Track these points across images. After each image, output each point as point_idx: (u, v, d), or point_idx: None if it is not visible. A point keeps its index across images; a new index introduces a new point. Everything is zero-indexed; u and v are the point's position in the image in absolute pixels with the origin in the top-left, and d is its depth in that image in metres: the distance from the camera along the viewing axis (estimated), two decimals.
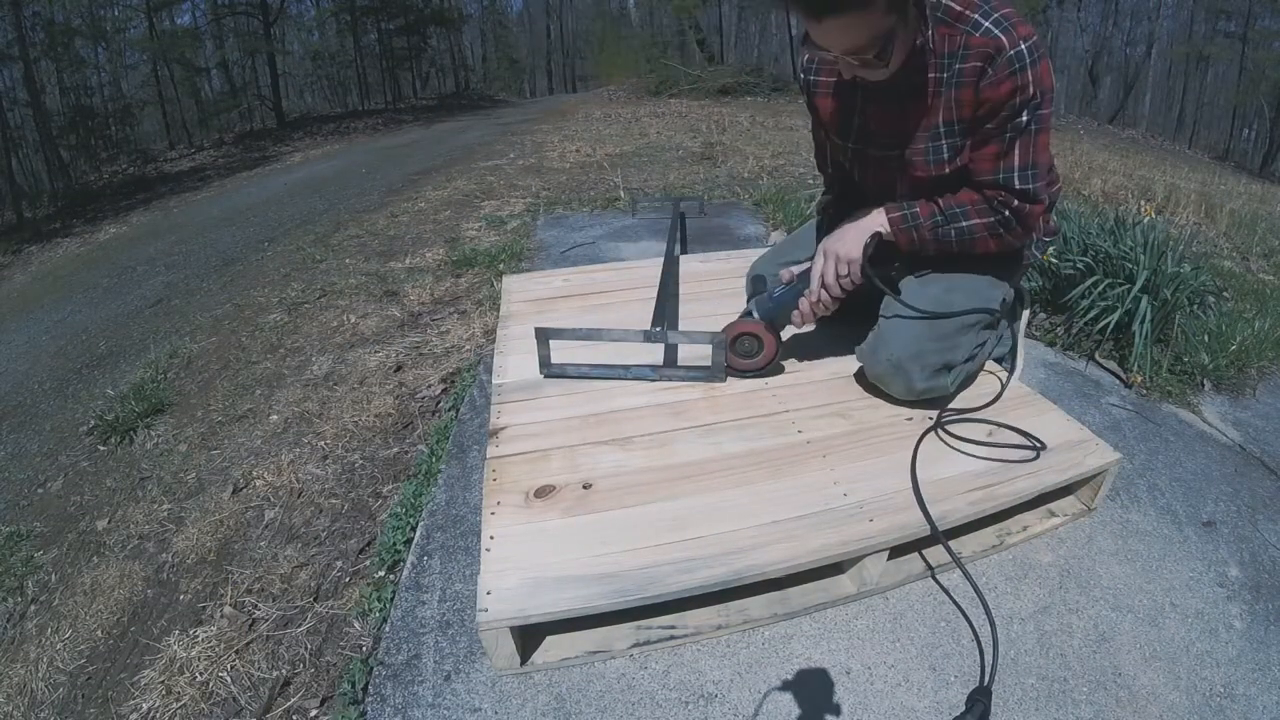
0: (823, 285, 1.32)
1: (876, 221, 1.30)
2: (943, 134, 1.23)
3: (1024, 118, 1.15)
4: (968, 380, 1.43)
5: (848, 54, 1.10)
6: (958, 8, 1.13)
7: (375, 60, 19.45)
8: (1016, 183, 1.20)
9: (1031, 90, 1.12)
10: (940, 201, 1.26)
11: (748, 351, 1.44)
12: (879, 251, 1.30)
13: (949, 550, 1.05)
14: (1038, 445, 1.23)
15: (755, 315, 1.43)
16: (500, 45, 27.39)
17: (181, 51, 14.34)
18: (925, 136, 1.24)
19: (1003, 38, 1.09)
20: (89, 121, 12.82)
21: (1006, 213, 1.22)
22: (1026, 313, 1.63)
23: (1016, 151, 1.18)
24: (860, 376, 1.43)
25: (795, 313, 1.39)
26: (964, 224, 1.25)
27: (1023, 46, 1.09)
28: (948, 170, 1.25)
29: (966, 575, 1.07)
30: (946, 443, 1.25)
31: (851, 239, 1.30)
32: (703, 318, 1.77)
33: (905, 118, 1.24)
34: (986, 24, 1.11)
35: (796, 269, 1.42)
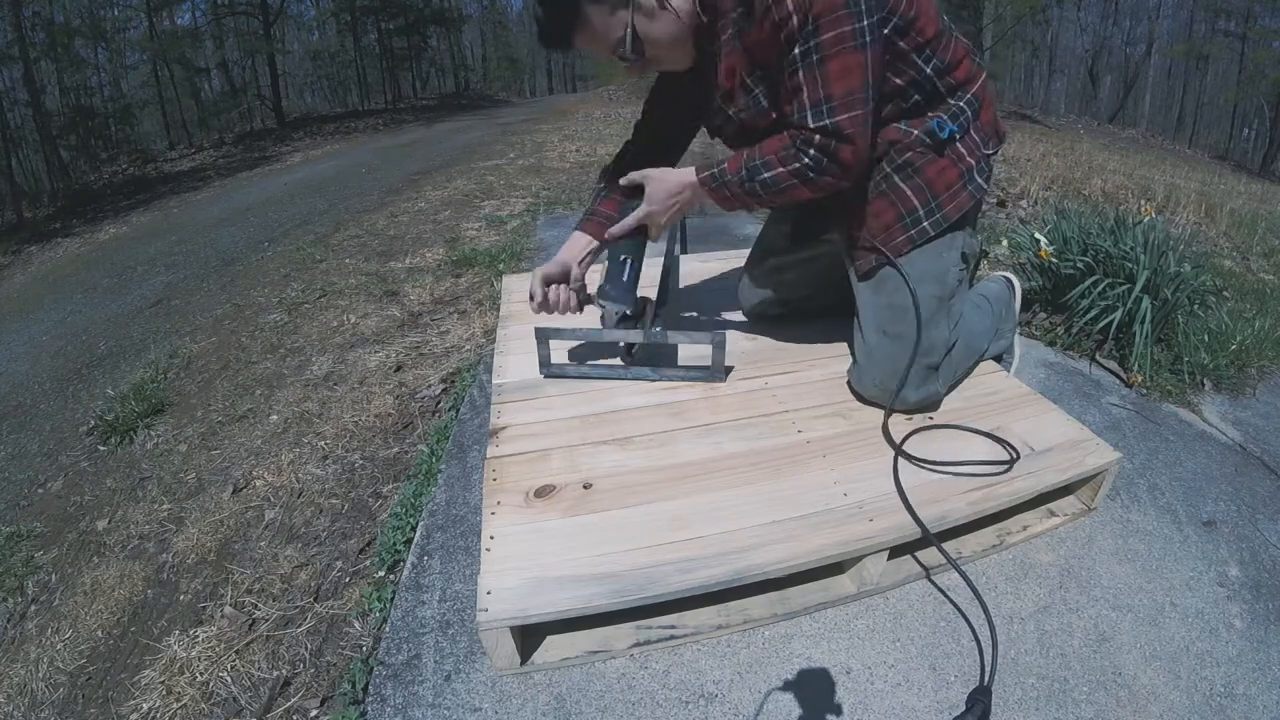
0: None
1: (686, 180, 1.26)
2: (751, 89, 1.19)
3: (797, 50, 1.07)
4: (959, 378, 1.41)
5: (613, 58, 1.14)
6: None
7: (375, 60, 19.46)
8: (810, 120, 1.10)
9: (796, 19, 1.04)
10: (747, 153, 1.19)
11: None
12: (806, 223, 1.28)
13: (943, 553, 1.05)
14: (1012, 456, 1.20)
15: (629, 309, 1.41)
16: (500, 45, 27.39)
17: (181, 51, 14.35)
18: (742, 93, 1.21)
19: None
20: (89, 121, 12.83)
21: (810, 153, 1.12)
22: (1019, 299, 1.63)
23: (804, 86, 1.09)
24: None
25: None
26: (767, 175, 1.17)
27: None
28: (775, 117, 1.19)
29: (964, 576, 1.07)
30: (915, 462, 1.19)
31: (665, 196, 1.28)
32: (703, 317, 1.77)
33: (719, 76, 1.22)
34: None
35: (618, 229, 1.38)
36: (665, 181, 1.29)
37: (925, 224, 1.25)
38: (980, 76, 1.28)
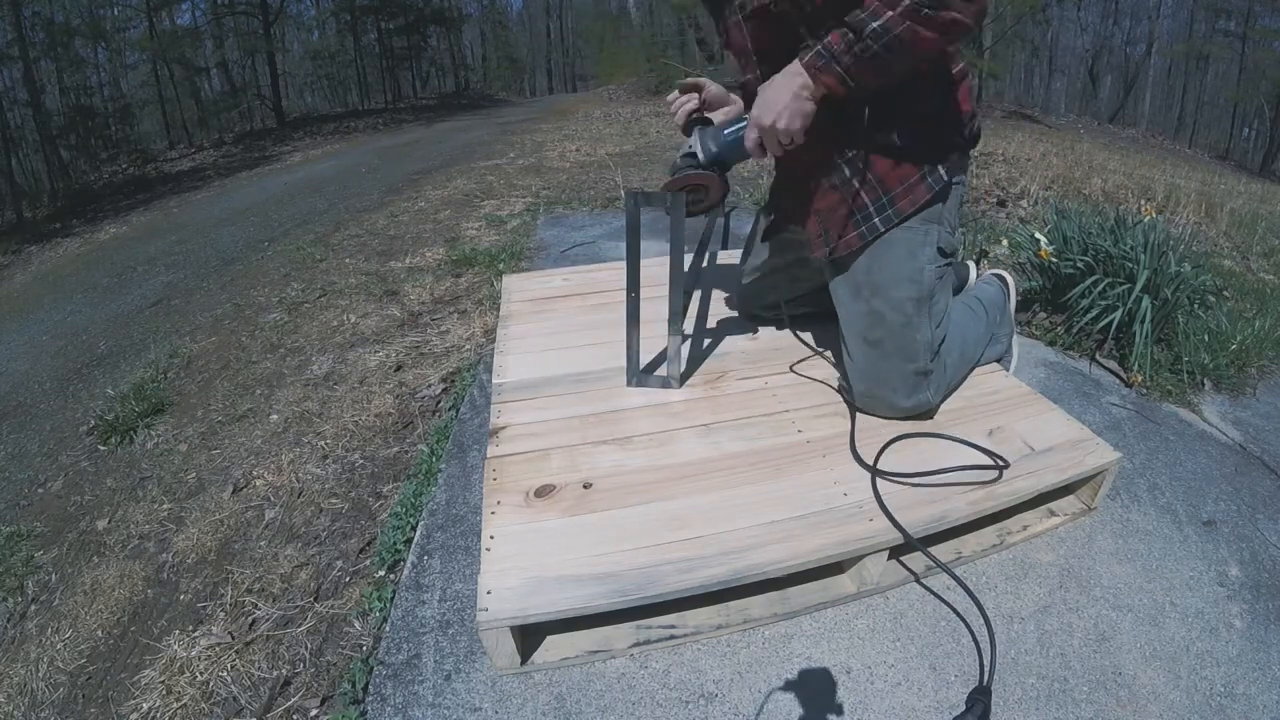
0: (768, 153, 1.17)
1: (794, 72, 1.09)
2: None
3: None
4: (953, 387, 1.40)
5: None
6: None
7: (375, 60, 19.44)
8: None
9: None
10: (847, 18, 1.04)
11: (698, 200, 1.30)
12: (775, 221, 1.20)
13: (930, 557, 1.06)
14: (1000, 464, 1.17)
15: (701, 158, 1.27)
16: (500, 45, 27.38)
17: (181, 51, 14.34)
18: None
19: None
20: (89, 121, 12.82)
21: None
22: (1013, 299, 1.62)
23: None
24: None
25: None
26: (875, 24, 1.00)
27: None
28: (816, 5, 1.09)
29: (955, 578, 1.07)
30: (892, 479, 1.16)
31: (776, 99, 1.10)
32: (703, 317, 1.77)
33: None
34: None
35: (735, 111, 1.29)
36: (770, 86, 1.12)
37: (875, 220, 1.23)
38: (960, 62, 1.23)
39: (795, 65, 1.10)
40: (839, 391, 1.40)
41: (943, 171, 1.22)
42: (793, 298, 1.62)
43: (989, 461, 1.18)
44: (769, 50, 1.21)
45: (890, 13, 0.99)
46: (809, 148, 1.18)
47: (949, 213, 1.27)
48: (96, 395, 2.59)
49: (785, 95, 1.10)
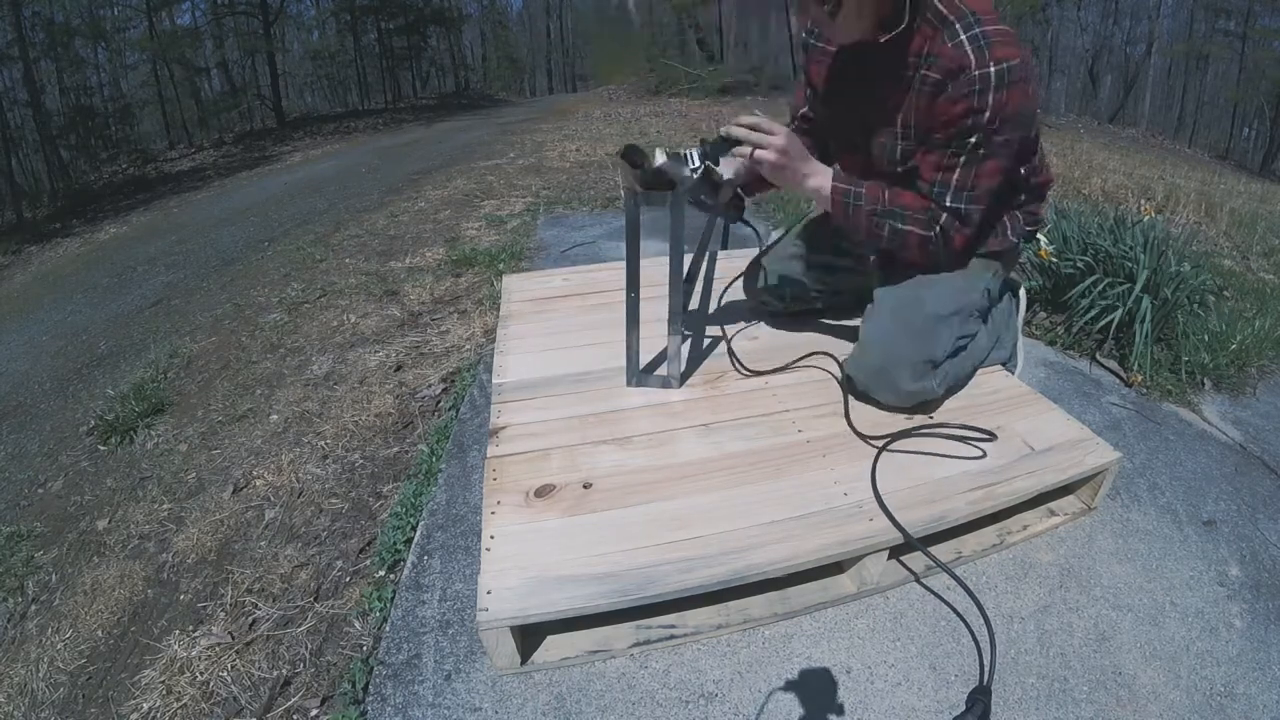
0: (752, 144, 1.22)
1: (822, 179, 1.25)
2: (899, 135, 1.22)
3: (973, 139, 1.12)
4: (957, 383, 1.40)
5: None
6: (945, 11, 1.10)
7: (375, 60, 19.44)
8: (948, 199, 1.19)
9: (989, 116, 1.09)
10: (888, 194, 1.24)
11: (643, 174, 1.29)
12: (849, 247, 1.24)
13: (930, 556, 1.06)
14: (987, 438, 1.24)
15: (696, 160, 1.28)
16: (500, 45, 27.36)
17: (181, 51, 14.34)
18: (888, 131, 1.23)
19: (972, 56, 1.06)
20: (89, 121, 12.82)
21: (938, 230, 1.22)
22: (1022, 312, 1.62)
23: (959, 170, 1.17)
24: None
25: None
26: (900, 226, 1.24)
27: (991, 69, 1.06)
28: (900, 170, 1.25)
29: (955, 577, 1.07)
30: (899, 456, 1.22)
31: (795, 176, 1.23)
32: (703, 316, 1.77)
33: (875, 103, 1.24)
34: (963, 37, 1.08)
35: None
36: (806, 170, 1.25)
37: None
38: (1048, 175, 1.39)
39: (827, 179, 1.25)
40: (839, 387, 1.40)
41: (1013, 237, 1.37)
42: (817, 293, 1.64)
43: (979, 436, 1.25)
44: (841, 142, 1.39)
45: (915, 231, 1.23)
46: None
47: (1007, 262, 1.43)
48: (96, 395, 2.59)
49: (800, 182, 1.25)
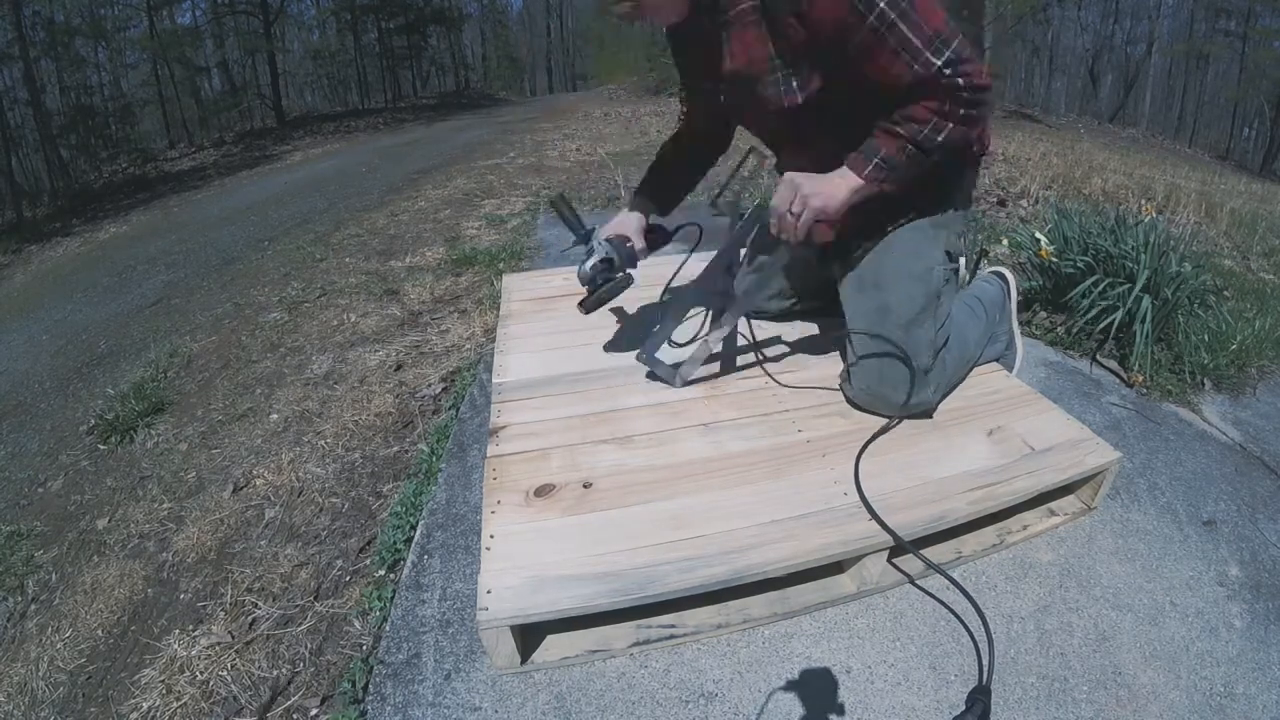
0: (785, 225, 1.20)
1: (848, 178, 1.15)
2: (779, 66, 1.13)
3: (873, 16, 1.02)
4: (955, 381, 1.40)
5: None
6: None
7: (375, 59, 19.45)
8: (935, 58, 1.04)
9: None
10: (901, 127, 1.11)
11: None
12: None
13: (923, 559, 1.05)
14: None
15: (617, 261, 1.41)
16: (500, 44, 27.37)
17: (181, 51, 14.34)
18: (763, 72, 1.15)
19: None
20: (89, 121, 12.81)
21: (959, 95, 1.06)
22: (1014, 298, 1.61)
23: (909, 34, 1.03)
24: None
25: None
26: (940, 139, 1.10)
27: None
28: (800, 100, 1.15)
29: (951, 580, 1.07)
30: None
31: (831, 199, 1.15)
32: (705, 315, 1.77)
33: (736, 55, 1.17)
34: None
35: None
36: (831, 186, 1.16)
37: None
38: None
39: (848, 173, 1.15)
40: (839, 389, 1.40)
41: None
42: (794, 294, 1.63)
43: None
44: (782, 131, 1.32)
45: (953, 126, 1.08)
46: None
47: (957, 219, 1.33)
48: (96, 394, 2.59)
49: (841, 194, 1.15)
